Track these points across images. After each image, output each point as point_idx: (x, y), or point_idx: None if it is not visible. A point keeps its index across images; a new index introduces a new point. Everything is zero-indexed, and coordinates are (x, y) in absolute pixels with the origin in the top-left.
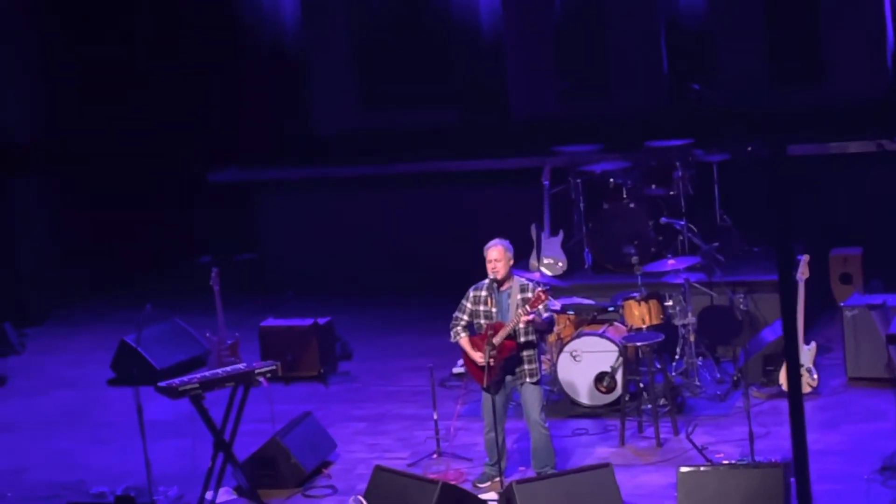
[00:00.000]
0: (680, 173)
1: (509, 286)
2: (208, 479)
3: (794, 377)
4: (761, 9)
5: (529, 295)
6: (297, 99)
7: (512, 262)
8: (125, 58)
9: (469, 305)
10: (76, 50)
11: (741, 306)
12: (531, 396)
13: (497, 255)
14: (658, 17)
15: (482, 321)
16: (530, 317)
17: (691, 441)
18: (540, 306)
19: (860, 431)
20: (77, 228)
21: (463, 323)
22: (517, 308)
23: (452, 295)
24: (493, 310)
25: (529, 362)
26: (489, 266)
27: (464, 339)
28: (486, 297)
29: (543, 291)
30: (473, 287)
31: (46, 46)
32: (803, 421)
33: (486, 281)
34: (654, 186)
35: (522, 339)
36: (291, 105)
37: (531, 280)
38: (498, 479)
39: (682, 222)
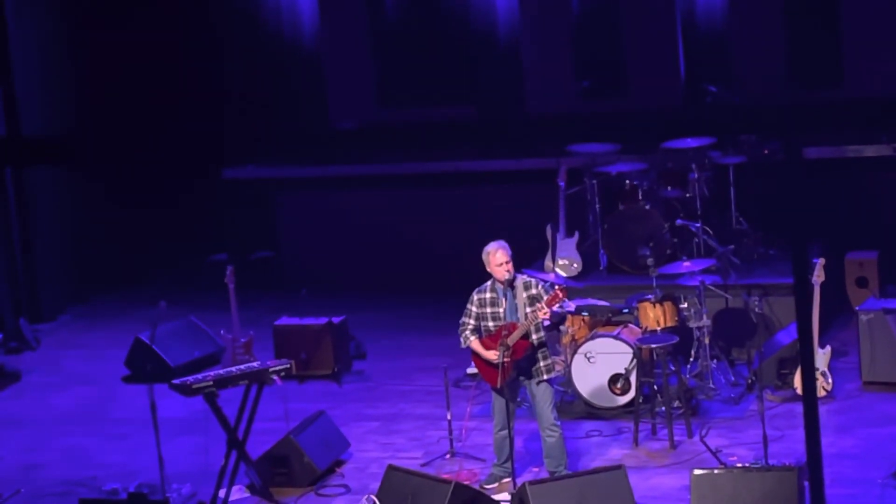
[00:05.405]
0: (696, 175)
1: (513, 285)
2: (221, 477)
3: (809, 381)
4: (780, 9)
5: (534, 291)
6: (314, 96)
7: None
8: (142, 54)
9: (475, 309)
10: (93, 45)
11: (756, 309)
12: (543, 394)
13: (508, 255)
14: (675, 16)
15: (490, 323)
16: (547, 314)
17: (705, 444)
18: (556, 305)
19: (875, 435)
20: (93, 224)
21: (471, 327)
22: (525, 307)
23: (468, 294)
24: (501, 310)
25: (544, 359)
26: (504, 267)
27: (474, 342)
28: (493, 298)
29: (562, 289)
30: (476, 291)
31: (63, 41)
32: (818, 424)
33: (488, 283)
34: (669, 188)
35: (535, 338)
36: (309, 102)
37: (544, 280)
38: (506, 479)
39: (698, 224)
